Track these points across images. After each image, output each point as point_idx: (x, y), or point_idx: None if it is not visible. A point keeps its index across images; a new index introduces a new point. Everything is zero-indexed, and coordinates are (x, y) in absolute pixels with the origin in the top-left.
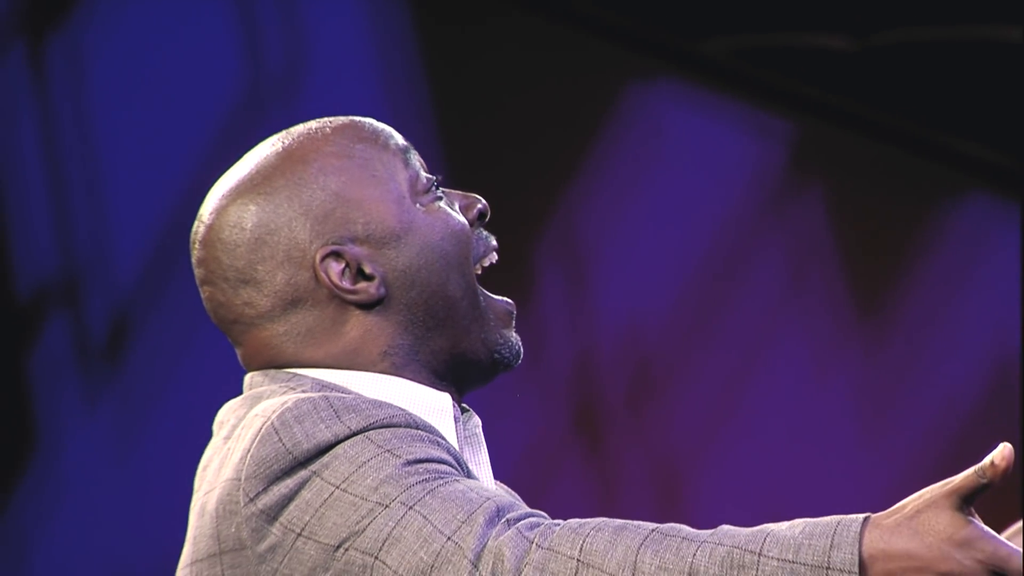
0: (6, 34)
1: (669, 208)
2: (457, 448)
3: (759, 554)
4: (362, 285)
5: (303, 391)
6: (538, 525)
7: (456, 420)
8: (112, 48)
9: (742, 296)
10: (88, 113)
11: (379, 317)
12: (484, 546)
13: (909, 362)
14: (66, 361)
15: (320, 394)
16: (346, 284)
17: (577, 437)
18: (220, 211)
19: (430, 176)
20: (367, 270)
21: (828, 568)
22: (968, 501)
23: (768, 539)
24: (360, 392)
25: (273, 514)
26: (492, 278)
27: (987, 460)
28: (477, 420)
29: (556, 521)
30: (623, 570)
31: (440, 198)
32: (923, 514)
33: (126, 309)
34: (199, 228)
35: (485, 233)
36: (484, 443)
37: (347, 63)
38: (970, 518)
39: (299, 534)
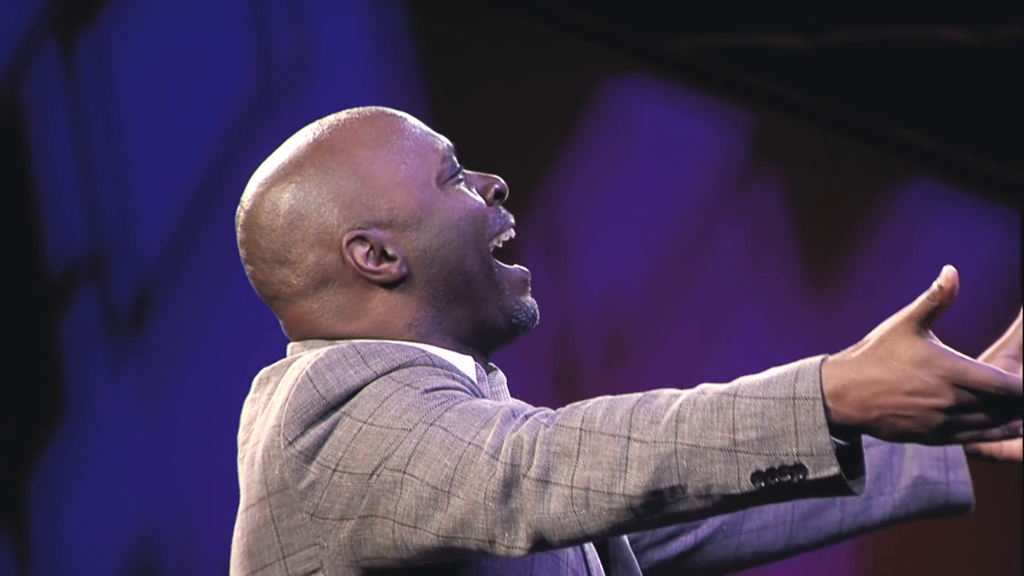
0: (41, 33)
1: (640, 192)
2: None
3: (734, 395)
4: (385, 266)
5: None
6: (549, 413)
7: (480, 380)
8: (135, 46)
9: (706, 271)
10: (114, 106)
11: (402, 294)
12: (503, 440)
13: (858, 328)
14: (93, 330)
15: (348, 343)
16: (370, 265)
17: (558, 398)
18: (257, 197)
19: (452, 159)
20: (390, 252)
21: (795, 398)
22: (925, 325)
23: (742, 384)
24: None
25: (311, 454)
26: None
27: (935, 285)
28: (502, 376)
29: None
30: (620, 429)
31: (460, 180)
32: (885, 342)
33: (148, 283)
34: (240, 213)
35: (503, 211)
36: (509, 397)
37: (348, 60)
38: (928, 339)
39: (335, 469)
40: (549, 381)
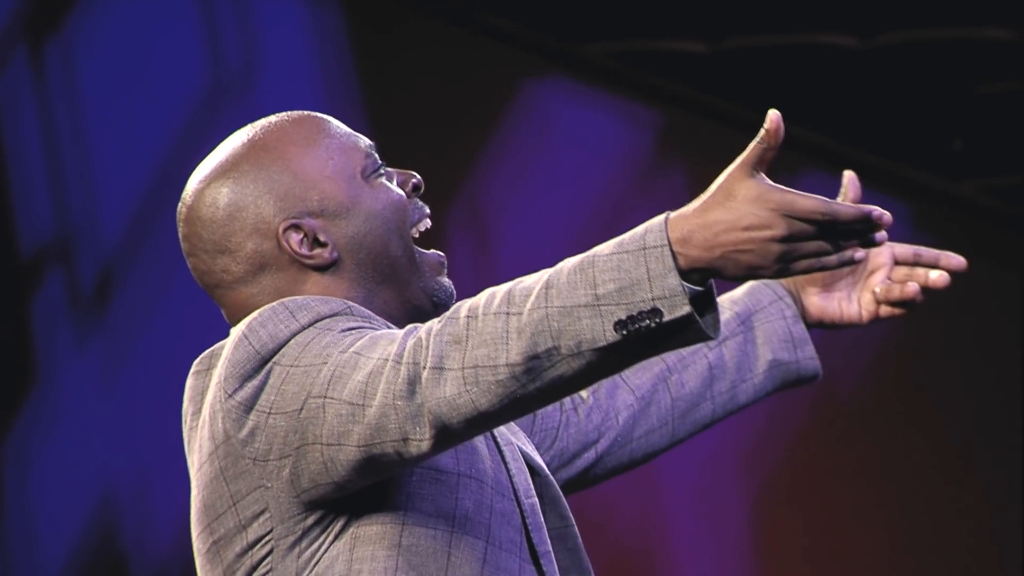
0: (13, 37)
1: (558, 183)
2: None
3: (593, 256)
4: (317, 251)
5: None
6: (443, 315)
7: None
8: (99, 50)
9: None
10: (79, 104)
11: (334, 277)
12: (405, 346)
13: None
14: (61, 309)
15: (278, 301)
16: (304, 251)
17: None
18: (198, 193)
19: (374, 156)
20: (321, 238)
21: (645, 249)
22: (756, 168)
23: (599, 247)
24: None
25: (249, 404)
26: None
27: (761, 131)
28: None
29: None
30: (500, 307)
31: (382, 175)
32: (722, 188)
33: (110, 265)
34: (182, 208)
35: (420, 203)
36: None
37: (292, 62)
38: (760, 179)
39: (270, 413)
40: None
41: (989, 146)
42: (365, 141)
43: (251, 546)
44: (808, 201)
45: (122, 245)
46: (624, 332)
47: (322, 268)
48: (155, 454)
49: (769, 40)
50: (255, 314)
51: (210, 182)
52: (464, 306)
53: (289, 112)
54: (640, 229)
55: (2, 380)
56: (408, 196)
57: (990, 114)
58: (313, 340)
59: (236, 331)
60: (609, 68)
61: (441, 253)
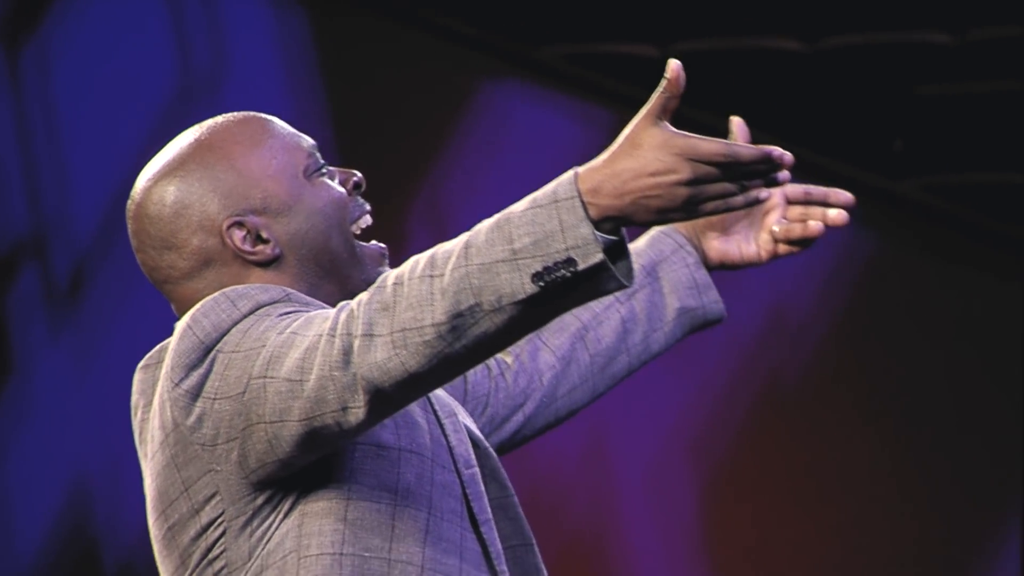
0: None
1: (515, 181)
2: None
3: (508, 214)
4: (260, 248)
5: None
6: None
7: None
8: (73, 52)
9: None
10: (53, 105)
11: (277, 272)
12: (339, 320)
13: None
14: (36, 303)
15: (220, 292)
16: (247, 247)
17: None
18: (146, 191)
19: (316, 155)
20: (264, 235)
21: (556, 202)
22: (660, 116)
23: (515, 205)
24: None
25: (195, 392)
26: (376, 236)
27: (663, 80)
28: None
29: None
30: (424, 271)
31: (324, 174)
32: (628, 138)
33: (84, 261)
34: (131, 206)
35: (361, 200)
36: None
37: (259, 65)
38: (663, 127)
39: (215, 399)
40: None
41: (928, 146)
42: (308, 141)
43: (204, 529)
44: (710, 144)
45: (95, 241)
46: (541, 283)
47: (264, 264)
48: (126, 443)
49: (717, 44)
50: (198, 305)
51: (157, 180)
52: (391, 275)
53: (235, 113)
54: (551, 184)
55: None
56: (349, 194)
57: (929, 115)
58: (252, 326)
59: (181, 323)
60: (564, 70)
61: (383, 245)
